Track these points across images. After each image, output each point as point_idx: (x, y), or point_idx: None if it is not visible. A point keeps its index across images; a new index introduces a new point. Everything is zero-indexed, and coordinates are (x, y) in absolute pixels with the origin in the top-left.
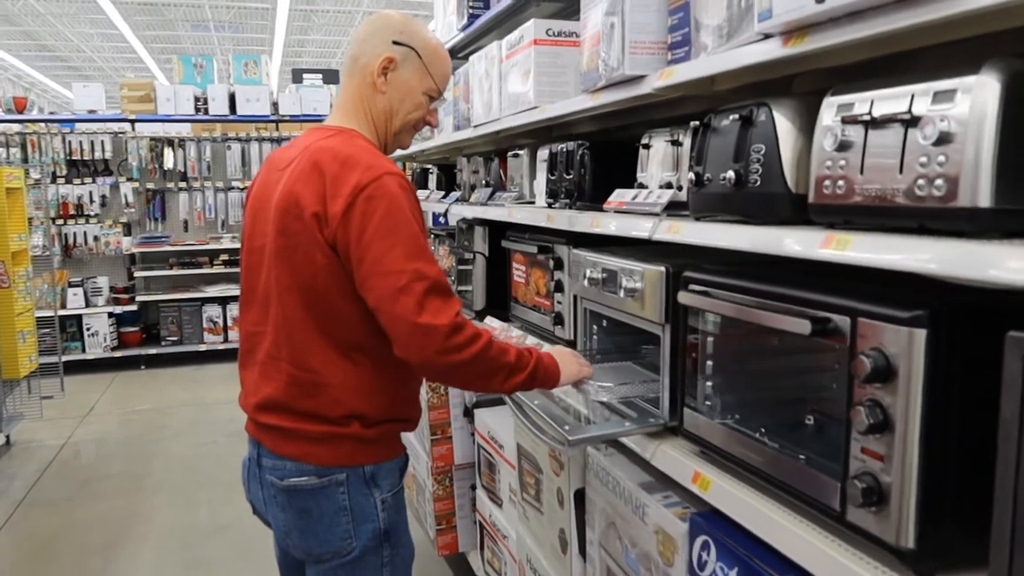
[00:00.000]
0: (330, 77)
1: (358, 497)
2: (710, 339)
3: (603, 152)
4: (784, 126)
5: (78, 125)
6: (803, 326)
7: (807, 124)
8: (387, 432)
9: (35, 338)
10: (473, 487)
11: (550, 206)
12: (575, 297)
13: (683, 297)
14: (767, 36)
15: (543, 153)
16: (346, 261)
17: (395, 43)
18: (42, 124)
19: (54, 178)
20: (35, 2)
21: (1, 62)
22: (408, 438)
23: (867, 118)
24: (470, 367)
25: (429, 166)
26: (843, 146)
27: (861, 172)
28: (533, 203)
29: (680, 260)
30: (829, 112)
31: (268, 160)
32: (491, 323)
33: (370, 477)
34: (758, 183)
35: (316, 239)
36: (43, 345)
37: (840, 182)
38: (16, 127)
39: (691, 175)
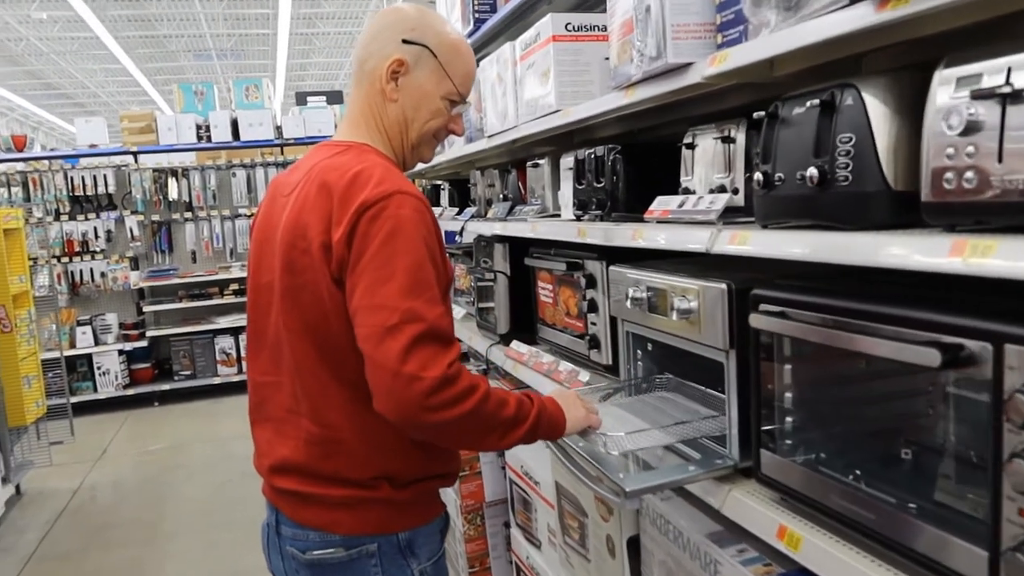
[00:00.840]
0: (334, 98)
1: (393, 570)
2: (787, 367)
3: (638, 156)
4: (878, 110)
5: (80, 160)
6: (928, 356)
7: (906, 106)
8: (423, 492)
9: (41, 382)
10: (507, 524)
11: (579, 219)
12: (613, 319)
13: (756, 320)
14: (854, 0)
15: (568, 161)
16: (344, 291)
17: (405, 42)
18: (44, 161)
19: (57, 215)
20: (38, 41)
21: (7, 102)
22: None
23: (1006, 90)
24: (460, 425)
25: (440, 182)
26: (971, 128)
27: (999, 160)
28: (559, 216)
29: (739, 274)
30: (946, 88)
31: (272, 185)
32: (518, 347)
33: (406, 545)
34: (848, 180)
35: (324, 276)
36: (52, 388)
37: (968, 174)
38: (18, 165)
39: (757, 175)
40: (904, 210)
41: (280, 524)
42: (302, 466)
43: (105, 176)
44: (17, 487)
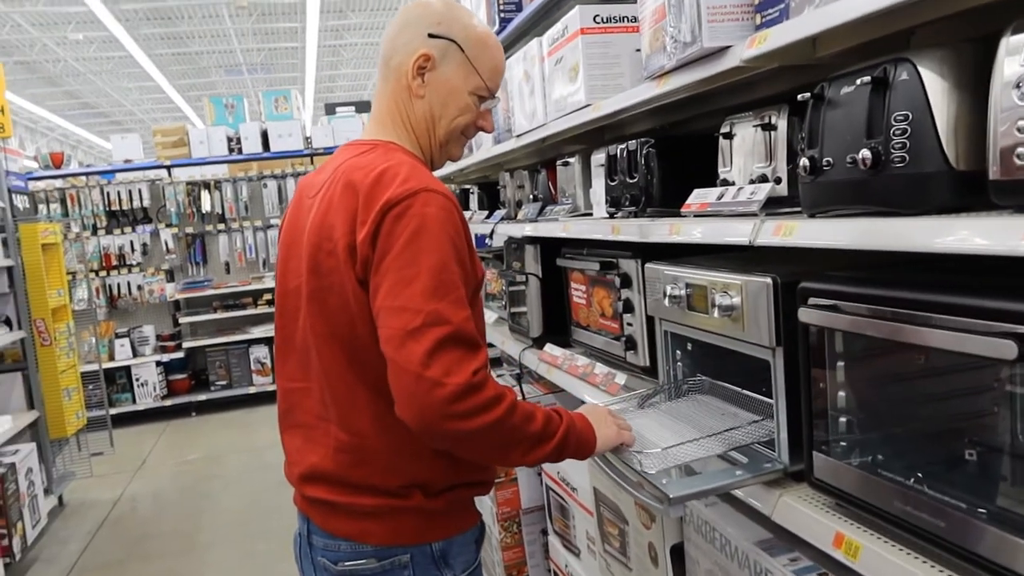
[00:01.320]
0: (363, 108)
1: None
2: (840, 363)
3: (672, 148)
4: (937, 85)
5: (116, 175)
6: (1003, 348)
7: (966, 80)
8: (457, 500)
9: (81, 394)
10: (544, 532)
11: (612, 216)
12: (651, 318)
13: (805, 314)
14: None
15: (599, 157)
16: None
17: (431, 36)
18: (81, 177)
19: (95, 230)
20: (75, 62)
21: (47, 122)
22: None
23: None
24: (483, 437)
25: (468, 186)
26: None
27: None
28: (591, 214)
29: (783, 268)
30: (1015, 55)
31: (299, 186)
32: (551, 351)
33: (440, 556)
34: (905, 161)
35: (349, 277)
36: (92, 399)
37: None
38: (57, 182)
39: (803, 161)
40: (968, 191)
41: (311, 534)
42: (331, 474)
43: (140, 190)
44: (60, 498)
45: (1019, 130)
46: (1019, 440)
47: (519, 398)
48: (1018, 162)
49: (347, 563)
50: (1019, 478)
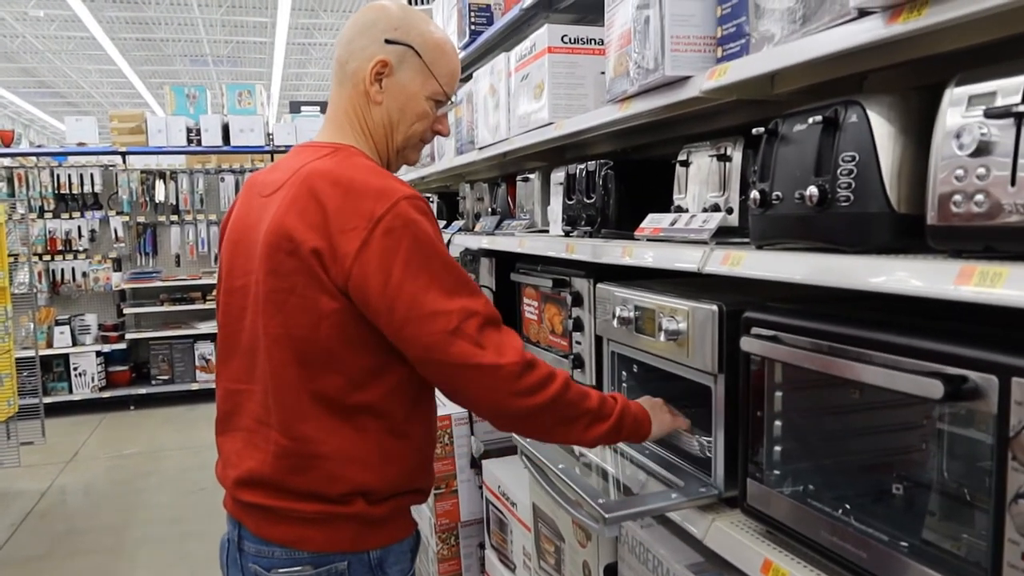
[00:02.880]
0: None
1: None
2: (778, 394)
3: (630, 172)
4: (883, 128)
5: (68, 158)
6: (930, 387)
7: (912, 126)
8: (397, 508)
9: (14, 380)
10: (481, 545)
11: (568, 234)
12: (599, 338)
13: (747, 344)
14: (864, 13)
15: (558, 175)
16: (365, 308)
17: (388, 42)
18: (31, 158)
19: (41, 213)
20: (34, 39)
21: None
22: None
23: (1023, 109)
24: (548, 412)
25: (428, 195)
26: (982, 149)
27: (1012, 183)
28: (547, 231)
29: (730, 296)
30: (958, 106)
31: (249, 184)
32: None
33: (377, 564)
34: (850, 201)
35: (319, 280)
36: (26, 387)
37: (979, 197)
38: (5, 161)
39: (754, 194)
40: (907, 234)
41: (242, 539)
42: (269, 479)
43: (92, 175)
44: None
45: (957, 178)
46: (946, 477)
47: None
48: (954, 209)
49: (281, 570)
50: (942, 513)
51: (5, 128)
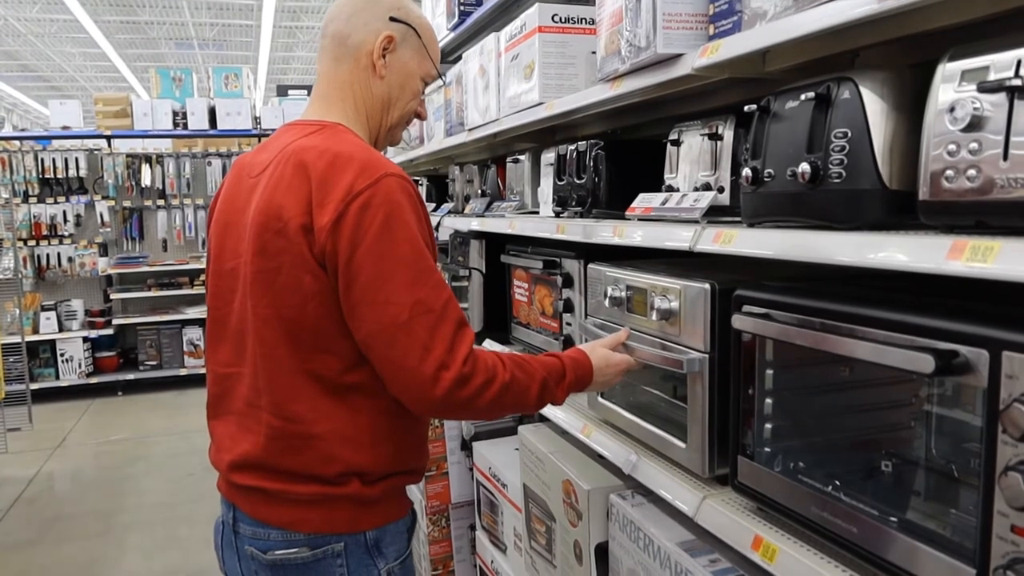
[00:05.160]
0: None
1: (360, 570)
2: (769, 371)
3: (620, 152)
4: (875, 105)
5: (52, 142)
6: (921, 362)
7: (904, 102)
8: (392, 488)
9: (0, 366)
10: (472, 527)
11: (558, 215)
12: (590, 319)
13: (739, 321)
14: None
15: (548, 156)
16: (335, 283)
17: (392, 19)
18: (14, 142)
19: (26, 197)
20: (16, 21)
21: None
22: None
23: (1016, 83)
24: (495, 407)
25: (418, 178)
26: (974, 124)
27: (1005, 157)
28: (538, 213)
29: (722, 275)
30: (950, 81)
31: (237, 165)
32: (490, 347)
33: (373, 544)
34: (842, 177)
35: (304, 258)
36: (12, 373)
37: (971, 172)
38: None
39: (745, 172)
40: (899, 210)
41: (238, 522)
42: (264, 462)
43: (77, 159)
44: None
45: (949, 153)
46: (936, 453)
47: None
48: (946, 184)
49: (278, 552)
50: (931, 489)
51: None
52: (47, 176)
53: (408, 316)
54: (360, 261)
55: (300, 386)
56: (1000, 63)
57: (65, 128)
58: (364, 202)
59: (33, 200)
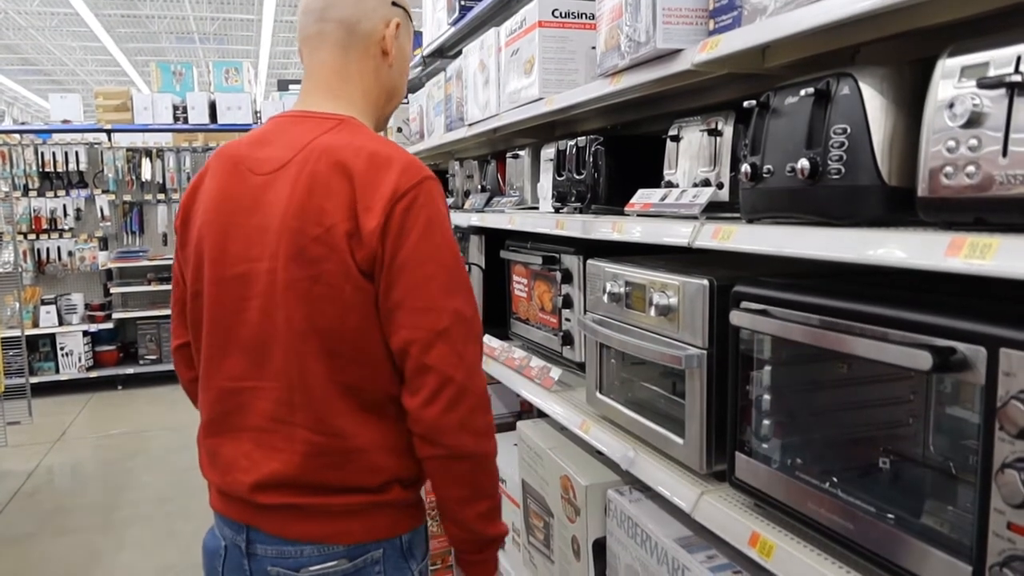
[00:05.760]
0: None
1: (395, 573)
2: (767, 368)
3: (620, 147)
4: (875, 101)
5: (53, 136)
6: (918, 359)
7: (904, 99)
8: (418, 491)
9: (0, 360)
10: None
11: (558, 211)
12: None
13: (737, 317)
14: None
15: (548, 152)
16: (377, 290)
17: (394, 4)
18: (14, 135)
19: (26, 191)
20: (16, 15)
21: None
22: None
23: (1016, 79)
24: (481, 468)
25: None
26: (974, 120)
27: (1004, 154)
28: (537, 208)
29: (721, 271)
30: (950, 77)
31: (227, 159)
32: (489, 342)
33: (407, 548)
34: (841, 174)
35: (347, 265)
36: (12, 366)
37: (970, 168)
38: None
39: (745, 167)
40: (898, 206)
41: (254, 543)
42: (301, 480)
43: (77, 153)
44: None
45: (948, 150)
46: (933, 450)
47: None
48: (945, 180)
49: (312, 568)
50: (928, 486)
51: None
52: (47, 170)
53: (448, 324)
54: (402, 263)
55: (337, 399)
56: (1000, 59)
57: (65, 122)
58: (407, 205)
59: (33, 194)
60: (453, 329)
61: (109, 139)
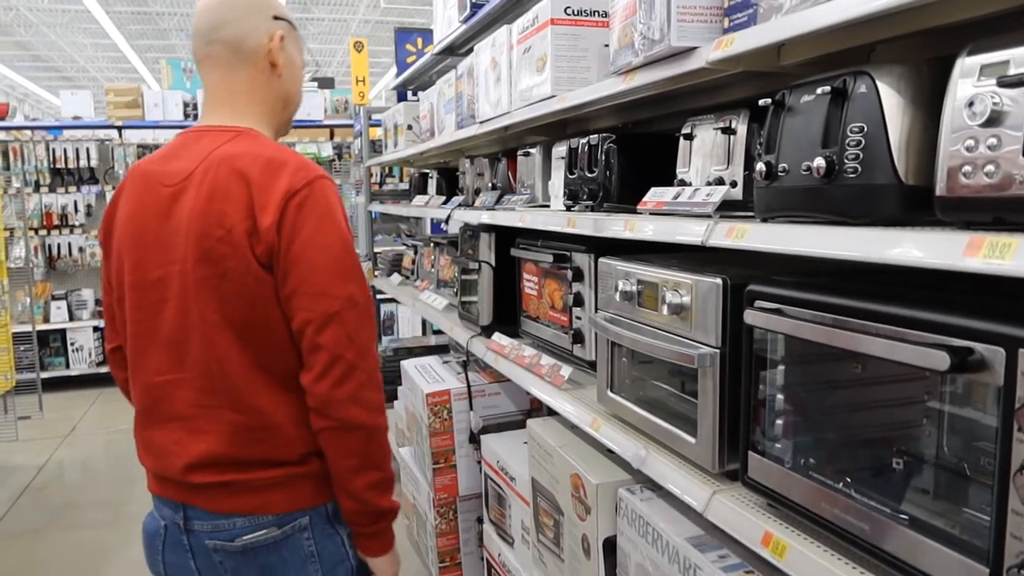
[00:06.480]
0: (325, 84)
1: (324, 540)
2: (781, 367)
3: (632, 145)
4: (892, 99)
5: (64, 132)
6: (935, 359)
7: (921, 97)
8: None
9: (11, 355)
10: (479, 520)
11: (569, 209)
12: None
13: (751, 316)
14: None
15: (560, 150)
16: (276, 281)
17: (276, 18)
18: (25, 131)
19: (37, 187)
20: (28, 12)
21: None
22: (408, 466)
23: None
24: (369, 440)
25: (427, 170)
26: (994, 119)
27: None
28: (548, 206)
29: (733, 270)
30: (969, 76)
31: (139, 175)
32: (499, 340)
33: (332, 514)
34: (857, 172)
35: (247, 261)
36: (23, 361)
37: (989, 167)
38: (0, 134)
39: (759, 166)
40: (915, 206)
41: (191, 520)
42: (227, 457)
43: (88, 149)
44: None
45: (967, 149)
46: (948, 450)
47: (465, 385)
48: (964, 180)
49: (246, 537)
50: (943, 487)
51: (0, 102)
52: (58, 166)
53: (339, 307)
54: (297, 253)
55: (258, 381)
56: (1021, 57)
57: (76, 118)
58: (300, 201)
59: (44, 190)
60: (344, 313)
61: (120, 135)
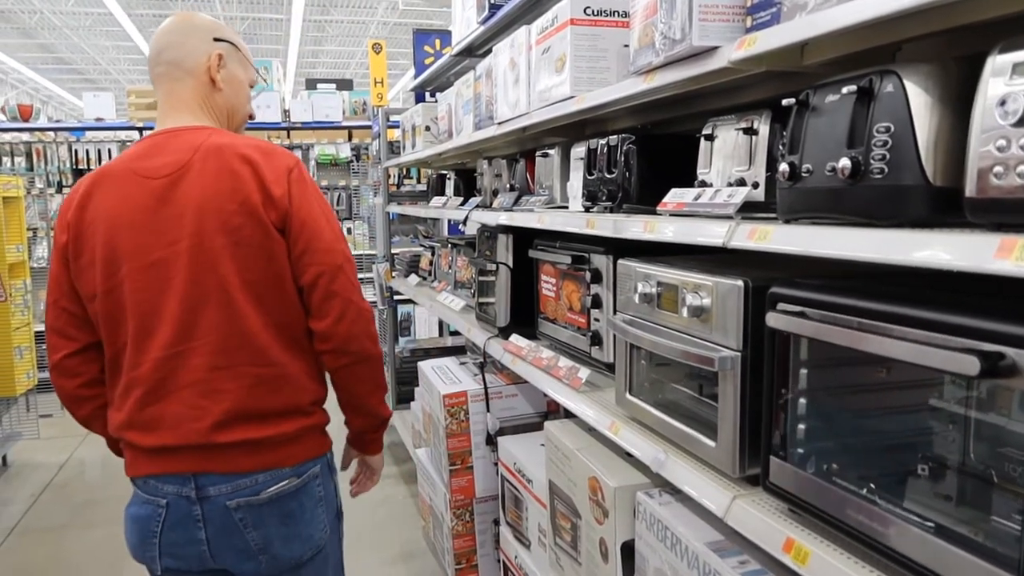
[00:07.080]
0: (344, 85)
1: (327, 485)
2: (804, 371)
3: (652, 146)
4: (920, 99)
5: (86, 134)
6: (965, 363)
7: (949, 96)
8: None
9: (33, 354)
10: (496, 522)
11: (588, 210)
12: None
13: (773, 319)
14: None
15: (579, 151)
16: (287, 242)
17: (217, 40)
18: (49, 133)
19: (60, 188)
20: (51, 15)
21: (18, 75)
22: (425, 467)
23: None
24: (376, 366)
25: (445, 171)
26: None
27: None
28: (567, 207)
29: (756, 272)
30: (1001, 75)
31: (117, 174)
32: (517, 341)
33: (331, 463)
34: (884, 173)
35: (263, 225)
36: (45, 360)
37: (1022, 168)
38: (23, 136)
39: (783, 167)
40: (943, 207)
41: (206, 487)
42: (249, 409)
43: (110, 150)
44: (3, 458)
45: (999, 149)
46: (975, 456)
47: (482, 387)
48: (995, 181)
49: (270, 489)
50: (969, 494)
51: (23, 103)
52: (80, 167)
53: (342, 260)
54: (303, 219)
55: (272, 336)
56: None
57: (98, 120)
58: (297, 176)
59: (66, 190)
60: (346, 265)
61: (141, 136)
